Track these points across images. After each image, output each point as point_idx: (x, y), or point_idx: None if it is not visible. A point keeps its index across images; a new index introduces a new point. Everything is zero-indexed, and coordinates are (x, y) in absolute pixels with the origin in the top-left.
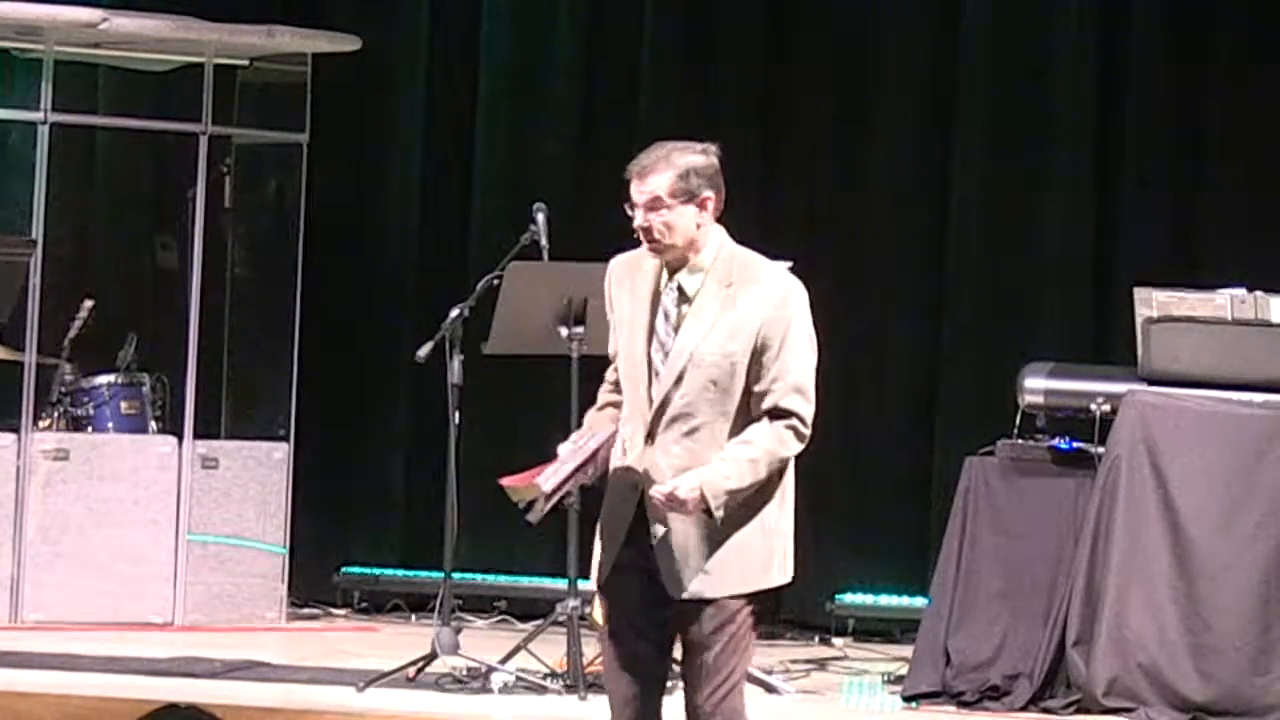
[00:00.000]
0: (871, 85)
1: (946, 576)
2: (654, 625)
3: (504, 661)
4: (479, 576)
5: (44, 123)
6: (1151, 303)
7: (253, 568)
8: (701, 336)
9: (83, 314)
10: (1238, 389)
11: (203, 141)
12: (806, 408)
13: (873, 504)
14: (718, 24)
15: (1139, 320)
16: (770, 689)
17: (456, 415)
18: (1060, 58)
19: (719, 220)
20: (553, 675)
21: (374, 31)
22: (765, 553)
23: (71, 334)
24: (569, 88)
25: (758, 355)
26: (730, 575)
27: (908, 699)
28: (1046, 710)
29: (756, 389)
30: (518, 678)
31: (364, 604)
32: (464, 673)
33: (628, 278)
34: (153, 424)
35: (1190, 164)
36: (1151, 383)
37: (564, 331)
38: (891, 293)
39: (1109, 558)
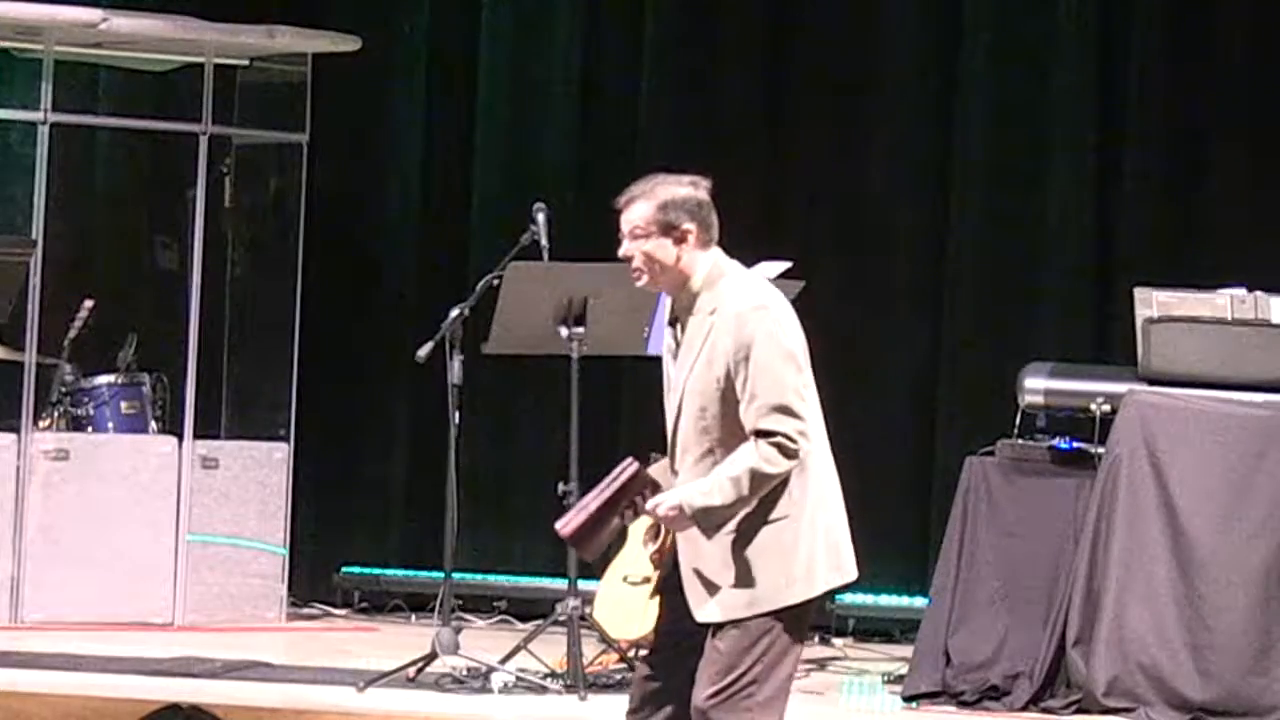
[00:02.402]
0: (871, 85)
1: (946, 576)
2: (691, 640)
3: (504, 661)
4: (479, 576)
5: (44, 123)
6: (1151, 303)
7: (253, 568)
8: (688, 368)
9: (83, 314)
10: (1238, 389)
11: (203, 141)
12: (789, 423)
13: (873, 504)
14: (718, 24)
15: (1139, 320)
16: None
17: (456, 415)
18: (1060, 58)
19: (741, 250)
20: (553, 675)
21: (374, 31)
22: (782, 572)
23: (71, 334)
24: (569, 88)
25: (733, 380)
26: (740, 599)
27: (908, 699)
28: (1046, 710)
29: (740, 413)
30: (518, 678)
31: (364, 604)
32: (464, 673)
33: (669, 324)
34: (153, 424)
35: (1190, 164)
36: (1151, 383)
37: (564, 331)
38: (891, 292)
39: (1109, 558)
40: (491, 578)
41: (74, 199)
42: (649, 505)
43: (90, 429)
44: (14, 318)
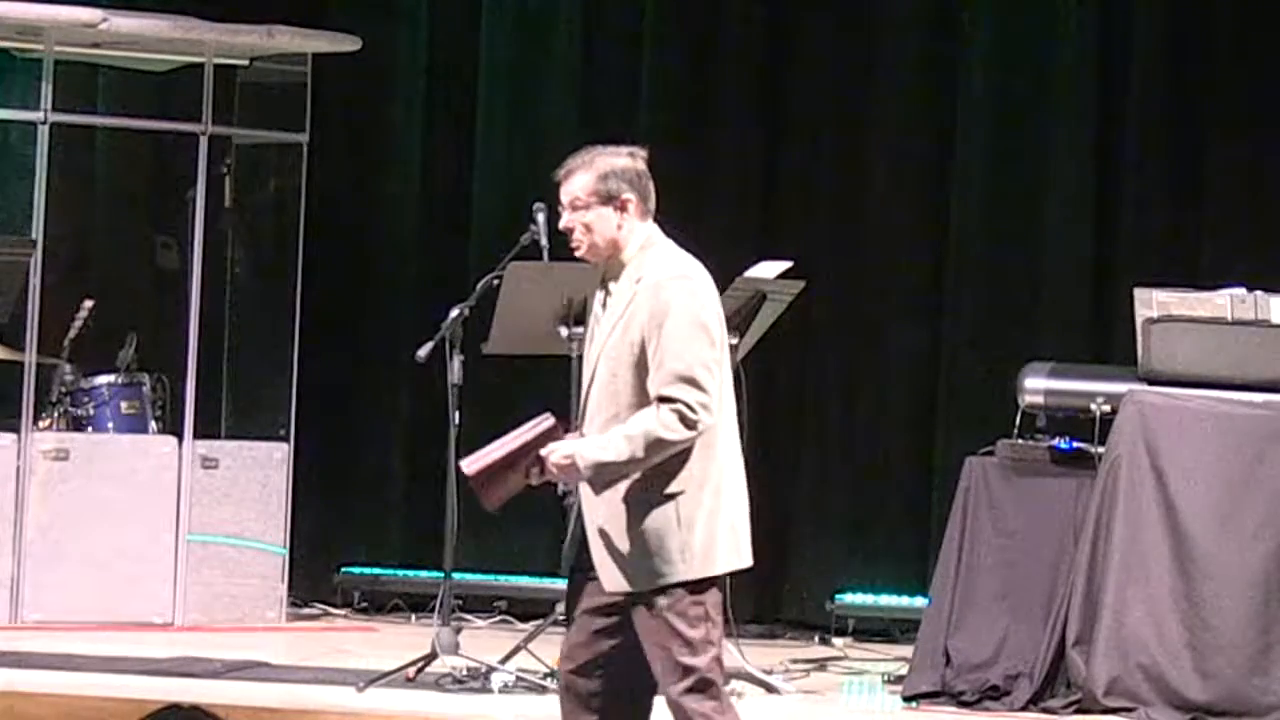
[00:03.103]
0: (871, 86)
1: (946, 576)
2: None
3: (504, 661)
4: (479, 576)
5: (44, 123)
6: (1151, 303)
7: (253, 568)
8: (608, 333)
9: (83, 314)
10: (1238, 389)
11: (203, 141)
12: (692, 394)
13: (873, 504)
14: (718, 24)
15: (1139, 320)
16: (770, 689)
17: (456, 415)
18: (1060, 58)
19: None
20: (553, 675)
21: (374, 31)
22: (677, 545)
23: (71, 334)
24: (569, 88)
25: (646, 346)
26: (641, 569)
27: (908, 699)
28: (1046, 710)
29: (648, 379)
30: (518, 678)
31: (364, 604)
32: (464, 673)
33: (599, 288)
34: (153, 424)
35: (1190, 165)
36: (1151, 383)
37: (564, 331)
38: (891, 293)
39: (1109, 558)
40: (491, 578)
41: (74, 199)
42: (544, 451)
43: (90, 429)
44: (14, 318)
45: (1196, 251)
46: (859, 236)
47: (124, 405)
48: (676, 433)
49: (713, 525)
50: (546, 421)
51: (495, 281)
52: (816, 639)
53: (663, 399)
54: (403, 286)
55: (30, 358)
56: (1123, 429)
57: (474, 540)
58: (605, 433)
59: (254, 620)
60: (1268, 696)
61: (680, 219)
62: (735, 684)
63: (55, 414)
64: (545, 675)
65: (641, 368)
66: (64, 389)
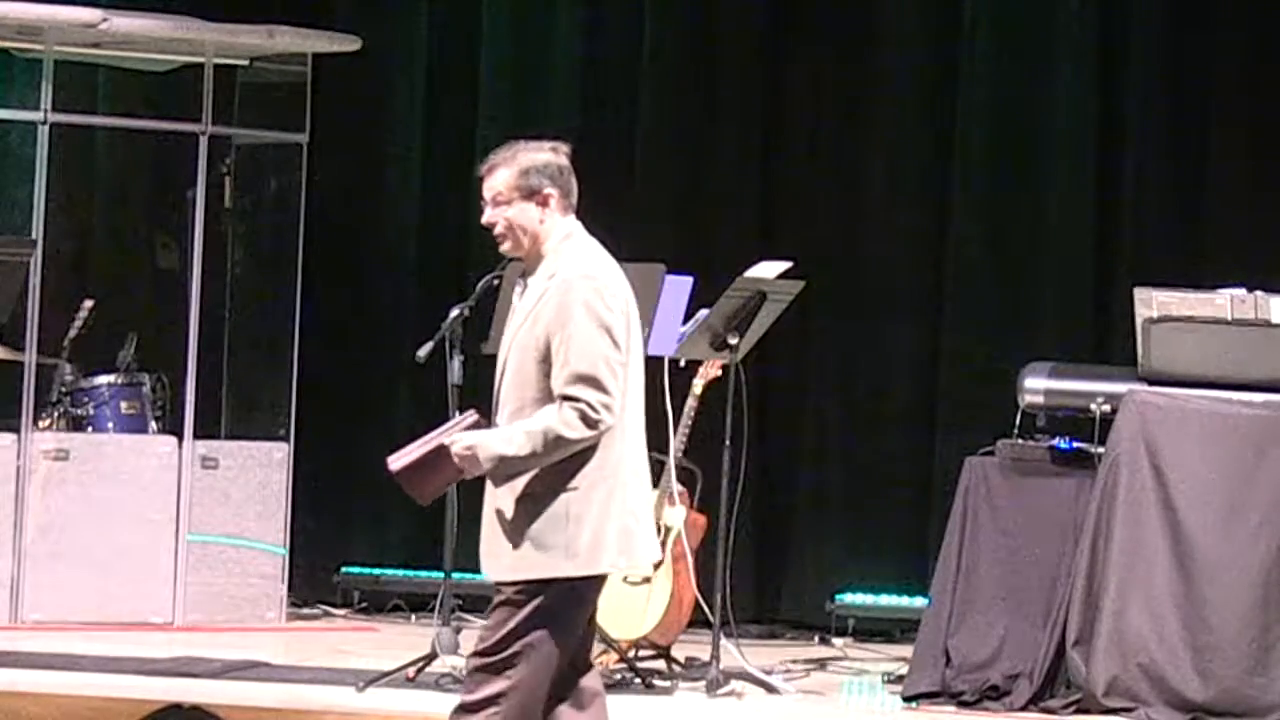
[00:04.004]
0: (871, 85)
1: (946, 576)
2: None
3: None
4: (479, 576)
5: (44, 123)
6: (1151, 303)
7: (253, 568)
8: (519, 326)
9: (83, 314)
10: (1238, 389)
11: (203, 141)
12: (593, 394)
13: (873, 504)
14: (718, 24)
15: (1139, 320)
16: (770, 689)
17: (456, 415)
18: (1060, 58)
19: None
20: None
21: (374, 31)
22: (564, 543)
23: (71, 334)
24: (569, 87)
25: (551, 343)
26: (524, 561)
27: (908, 699)
28: (1046, 710)
29: (552, 376)
30: None
31: (364, 604)
32: (464, 673)
33: (519, 280)
34: (153, 424)
35: (1190, 164)
36: (1151, 383)
37: None
38: (891, 293)
39: (1109, 558)
40: None
41: (74, 199)
42: (447, 440)
43: (90, 429)
44: (14, 318)
45: (1196, 251)
46: (859, 236)
47: (124, 405)
48: (577, 431)
49: (602, 525)
50: (470, 417)
51: (495, 281)
52: (816, 639)
53: (565, 398)
54: (403, 286)
55: (30, 358)
56: (1123, 429)
57: (474, 540)
58: (510, 425)
59: (254, 620)
60: (1268, 696)
61: (681, 219)
62: (735, 684)
63: (55, 414)
64: None
65: (546, 363)
66: (64, 389)
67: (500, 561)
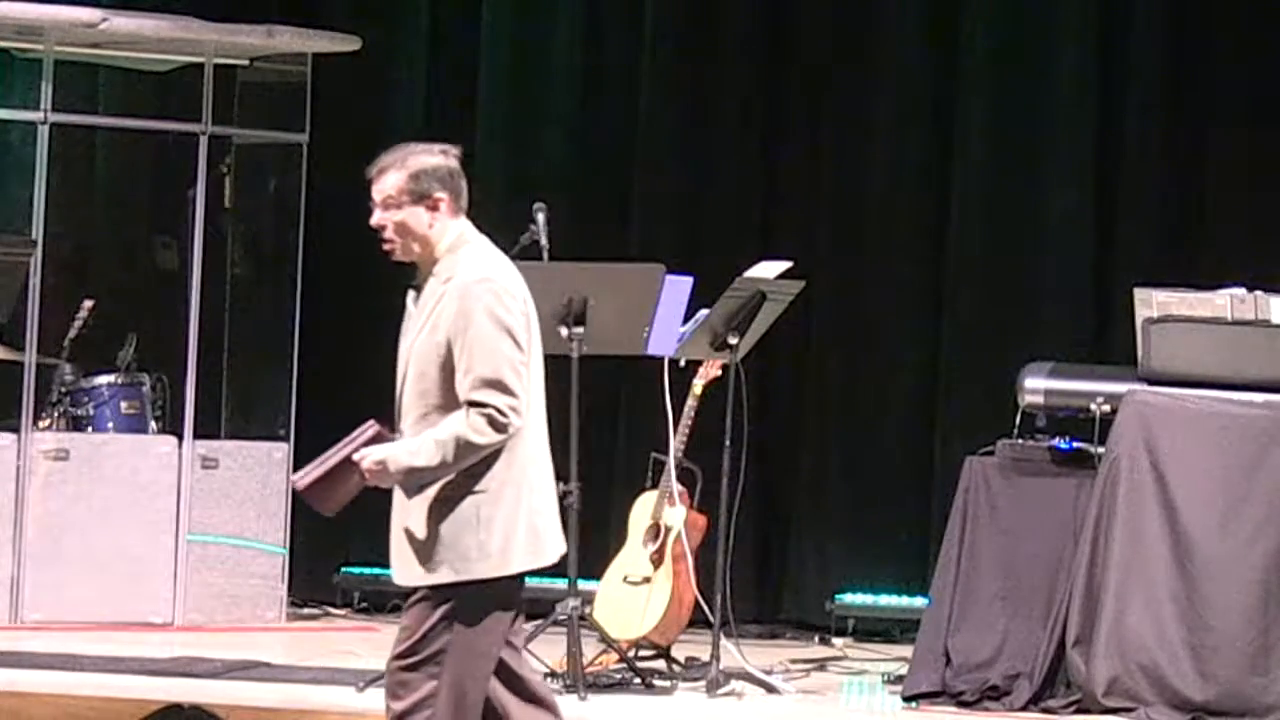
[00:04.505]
0: (871, 85)
1: (946, 576)
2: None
3: None
4: None
5: (44, 123)
6: (1151, 303)
7: (253, 568)
8: (417, 332)
9: (83, 314)
10: (1238, 389)
11: (203, 141)
12: (499, 398)
13: (873, 504)
14: (718, 24)
15: (1139, 320)
16: (770, 689)
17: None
18: (1060, 57)
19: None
20: (553, 675)
21: (374, 31)
22: (475, 545)
23: (71, 334)
24: (569, 87)
25: (452, 349)
26: (436, 565)
27: (908, 699)
28: (1046, 710)
29: (456, 383)
30: None
31: (364, 604)
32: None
33: (412, 286)
34: (153, 424)
35: (1190, 164)
36: (1151, 383)
37: (564, 331)
38: (891, 293)
39: (1109, 558)
40: None
41: (74, 199)
42: (357, 456)
43: (90, 429)
44: (14, 318)
45: (1196, 251)
46: (859, 236)
47: (124, 405)
48: (486, 436)
49: (511, 526)
50: (370, 430)
51: None
52: (816, 639)
53: (471, 404)
54: (403, 287)
55: (30, 358)
56: (1123, 429)
57: None
58: (416, 434)
59: (254, 620)
60: (1268, 696)
61: (681, 219)
62: (735, 684)
63: (55, 414)
64: (545, 675)
65: (448, 369)
66: (64, 389)
67: (412, 567)
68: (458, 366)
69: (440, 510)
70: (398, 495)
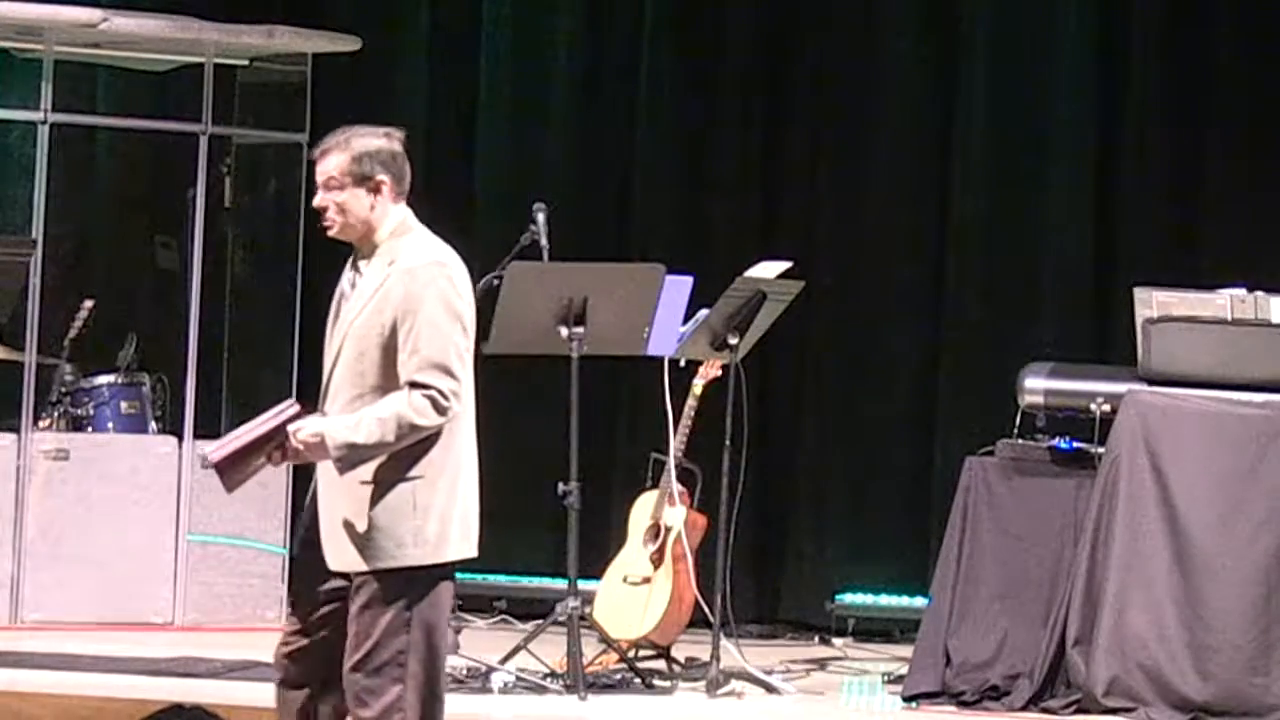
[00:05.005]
0: (871, 85)
1: (946, 576)
2: (336, 600)
3: (504, 661)
4: (479, 576)
5: (44, 123)
6: (1151, 303)
7: (253, 568)
8: (357, 312)
9: (83, 314)
10: (1238, 389)
11: (203, 141)
12: (444, 381)
13: (873, 504)
14: (718, 24)
15: (1139, 320)
16: (770, 689)
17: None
18: (1060, 58)
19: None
20: (553, 675)
21: (374, 31)
22: (411, 530)
23: (71, 334)
24: (569, 88)
25: (397, 330)
26: (371, 550)
27: (908, 699)
28: (1046, 710)
29: (399, 364)
30: (518, 678)
31: None
32: (464, 673)
33: (349, 268)
34: (153, 424)
35: (1190, 164)
36: (1151, 383)
37: (564, 331)
38: (891, 292)
39: (1109, 558)
40: (491, 578)
41: (74, 199)
42: (291, 429)
43: (90, 429)
44: (14, 318)
45: (1196, 251)
46: (859, 236)
47: (124, 405)
48: (428, 418)
49: (447, 513)
50: (292, 408)
51: (495, 281)
52: (816, 639)
53: (415, 384)
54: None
55: (30, 358)
56: (1123, 429)
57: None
58: (355, 412)
59: (254, 620)
60: (1268, 696)
61: (681, 219)
62: (735, 684)
63: (55, 414)
64: (545, 675)
65: (390, 350)
66: (64, 389)
67: (346, 553)
68: (402, 347)
69: (376, 495)
70: (325, 478)
